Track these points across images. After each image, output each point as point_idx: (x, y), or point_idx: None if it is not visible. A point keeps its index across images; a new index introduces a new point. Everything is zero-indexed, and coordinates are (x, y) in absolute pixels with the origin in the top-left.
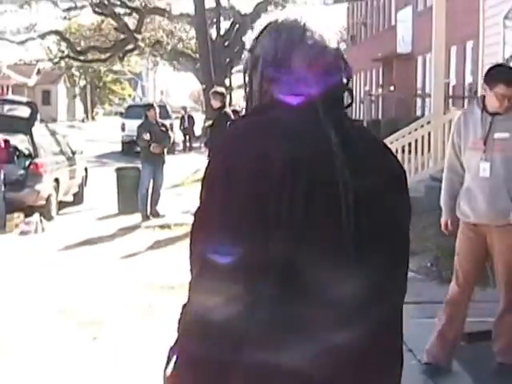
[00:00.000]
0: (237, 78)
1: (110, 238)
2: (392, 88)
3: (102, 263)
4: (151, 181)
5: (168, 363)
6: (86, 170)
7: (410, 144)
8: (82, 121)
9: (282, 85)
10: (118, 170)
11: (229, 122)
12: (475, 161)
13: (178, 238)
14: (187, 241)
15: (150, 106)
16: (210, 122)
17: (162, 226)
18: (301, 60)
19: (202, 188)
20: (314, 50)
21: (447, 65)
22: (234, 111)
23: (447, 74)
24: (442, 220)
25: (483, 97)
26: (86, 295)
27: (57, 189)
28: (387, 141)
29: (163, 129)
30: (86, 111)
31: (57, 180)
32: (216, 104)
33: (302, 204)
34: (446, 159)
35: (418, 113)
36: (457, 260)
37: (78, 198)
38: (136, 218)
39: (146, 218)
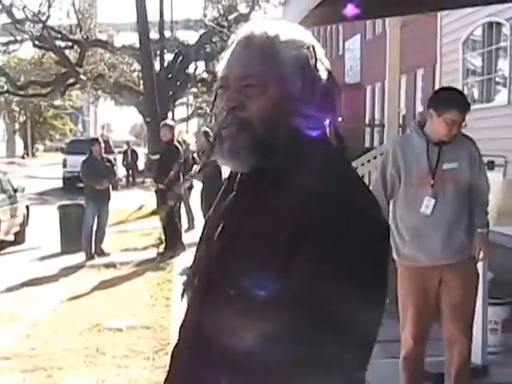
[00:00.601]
0: (180, 110)
1: (53, 278)
2: (340, 119)
3: (45, 305)
4: (95, 218)
5: None
6: (27, 207)
7: (363, 176)
8: (22, 157)
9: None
10: (61, 207)
11: (177, 155)
12: (422, 198)
13: (124, 277)
14: (133, 280)
15: (94, 141)
16: (157, 156)
17: (107, 265)
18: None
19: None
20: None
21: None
22: (180, 142)
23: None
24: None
25: (420, 124)
26: (30, 340)
27: None
28: None
29: (108, 164)
30: (26, 147)
31: None
32: (166, 137)
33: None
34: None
35: (367, 144)
36: (406, 312)
37: (19, 237)
38: (80, 256)
39: (90, 256)
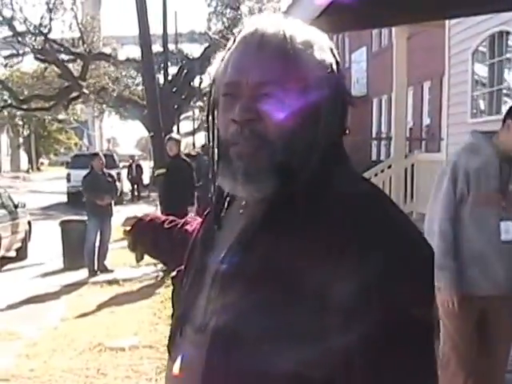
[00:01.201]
0: (185, 124)
1: (55, 295)
2: (347, 132)
3: (46, 323)
4: (98, 234)
5: None
6: (29, 223)
7: None
8: (27, 171)
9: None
10: (63, 223)
11: (186, 169)
12: (491, 220)
13: (127, 294)
14: (136, 297)
15: (94, 156)
16: (161, 170)
17: (110, 282)
18: None
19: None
20: None
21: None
22: (188, 155)
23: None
24: (444, 297)
25: (489, 136)
26: (29, 360)
27: None
28: None
29: (110, 179)
30: (30, 161)
31: None
32: (172, 151)
33: None
34: (440, 210)
35: (374, 157)
36: (457, 348)
37: (21, 254)
38: (83, 273)
39: (93, 273)
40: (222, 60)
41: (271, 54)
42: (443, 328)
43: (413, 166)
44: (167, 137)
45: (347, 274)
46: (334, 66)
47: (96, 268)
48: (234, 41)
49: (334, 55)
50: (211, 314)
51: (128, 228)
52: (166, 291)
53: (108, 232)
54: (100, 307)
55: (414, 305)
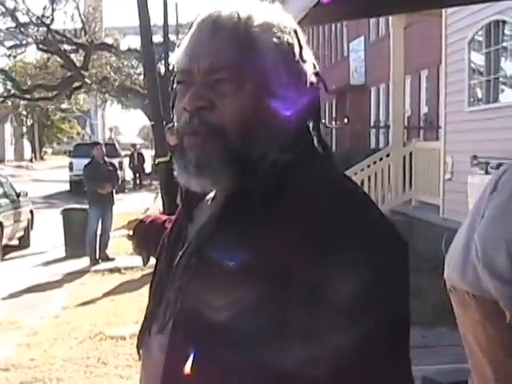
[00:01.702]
0: None
1: (56, 283)
2: (346, 120)
3: (47, 312)
4: (99, 223)
5: None
6: (31, 212)
7: (369, 177)
8: (31, 160)
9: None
10: (65, 211)
11: None
12: None
13: (128, 282)
14: (138, 286)
15: (95, 145)
16: (163, 159)
17: (111, 270)
18: None
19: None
20: None
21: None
22: None
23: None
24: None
25: None
26: (29, 350)
27: (1, 233)
28: None
29: (111, 168)
30: (33, 151)
31: (0, 224)
32: (172, 141)
33: None
34: None
35: (373, 145)
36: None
37: (24, 242)
38: (85, 261)
39: (95, 261)
40: (179, 46)
41: (223, 37)
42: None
43: (411, 154)
44: (167, 126)
45: (305, 268)
46: (296, 50)
47: (97, 256)
48: (191, 26)
49: (298, 38)
50: (170, 314)
51: (131, 232)
52: None
53: (109, 220)
54: (101, 296)
55: (394, 304)
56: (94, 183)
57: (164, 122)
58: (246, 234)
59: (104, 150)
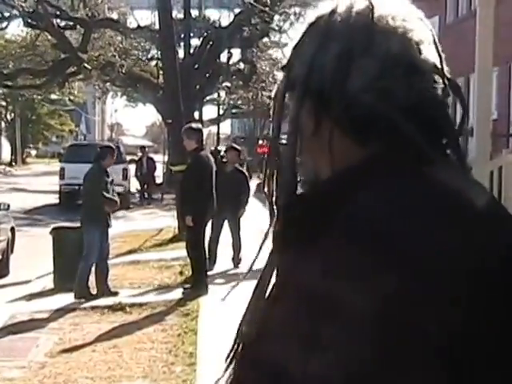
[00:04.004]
0: (208, 109)
1: (42, 323)
2: None
3: (32, 360)
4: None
5: None
6: (12, 230)
7: None
8: (10, 164)
9: (354, 129)
10: (55, 230)
11: (208, 167)
12: None
13: (134, 323)
14: (147, 328)
15: (106, 149)
16: (180, 167)
17: (113, 308)
18: (365, 72)
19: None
20: (394, 48)
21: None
22: (214, 152)
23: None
24: None
25: None
26: None
27: None
28: None
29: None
30: (14, 152)
31: None
32: (191, 145)
33: None
34: None
35: None
36: None
37: (1, 269)
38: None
39: (89, 296)
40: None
41: None
42: None
43: (500, 169)
44: (184, 127)
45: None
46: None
47: (97, 292)
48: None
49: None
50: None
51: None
52: (184, 321)
53: (108, 245)
54: (100, 340)
55: None
56: (105, 198)
57: (184, 120)
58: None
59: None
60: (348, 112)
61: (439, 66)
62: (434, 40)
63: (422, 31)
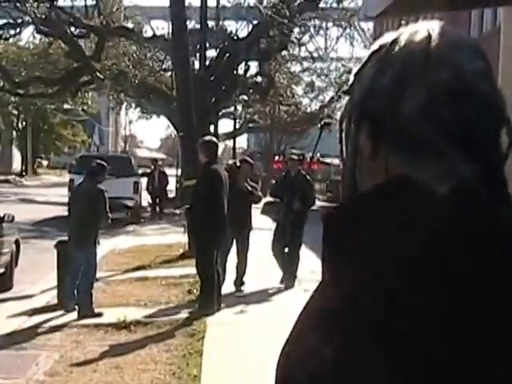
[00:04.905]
0: (224, 123)
1: (44, 340)
2: None
3: (32, 378)
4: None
5: None
6: (17, 242)
7: None
8: (20, 174)
9: (403, 152)
10: (60, 244)
11: (218, 182)
12: None
13: (138, 343)
14: (151, 349)
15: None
16: (191, 182)
17: (117, 326)
18: (416, 98)
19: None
20: (444, 76)
21: None
22: (231, 167)
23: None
24: None
25: None
26: None
27: None
28: None
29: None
30: (24, 162)
31: None
32: (202, 158)
33: None
34: None
35: None
36: None
37: (4, 282)
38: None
39: (92, 315)
40: None
41: None
42: None
43: None
44: (200, 140)
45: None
46: None
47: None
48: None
49: None
50: None
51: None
52: (189, 342)
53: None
54: (102, 359)
55: None
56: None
57: (196, 134)
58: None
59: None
60: (398, 136)
61: (491, 96)
62: (487, 71)
63: (476, 62)
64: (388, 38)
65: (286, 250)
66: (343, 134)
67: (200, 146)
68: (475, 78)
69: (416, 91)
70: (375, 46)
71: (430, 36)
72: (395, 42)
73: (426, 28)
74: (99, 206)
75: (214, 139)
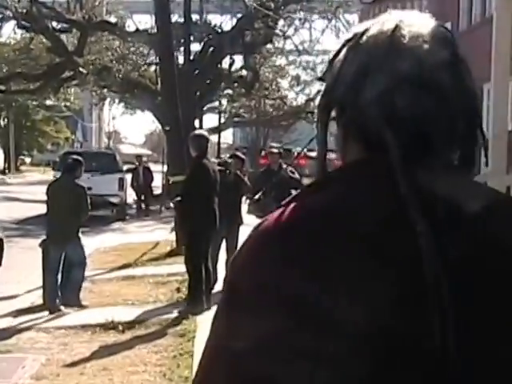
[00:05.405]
0: (209, 118)
1: (29, 343)
2: None
3: (16, 383)
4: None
5: None
6: (0, 242)
7: None
8: (3, 172)
9: (353, 133)
10: (45, 243)
11: (210, 177)
12: None
13: (127, 344)
14: (140, 349)
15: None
16: (179, 177)
17: (105, 327)
18: (375, 86)
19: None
20: (403, 66)
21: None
22: (225, 162)
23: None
24: None
25: None
26: None
27: None
28: None
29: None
30: (7, 159)
31: None
32: (196, 152)
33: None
34: None
35: None
36: None
37: None
38: (70, 313)
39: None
40: None
41: None
42: None
43: None
44: (191, 134)
45: None
46: None
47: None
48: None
49: None
50: None
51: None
52: (180, 342)
53: None
54: (89, 361)
55: None
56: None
57: (183, 128)
58: None
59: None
60: (355, 122)
61: (453, 87)
62: (452, 62)
63: (439, 53)
64: (361, 27)
65: None
66: (318, 119)
67: (191, 141)
68: (435, 69)
69: (376, 80)
70: (349, 35)
71: (397, 26)
72: (366, 31)
73: (396, 18)
74: (81, 201)
75: (205, 133)
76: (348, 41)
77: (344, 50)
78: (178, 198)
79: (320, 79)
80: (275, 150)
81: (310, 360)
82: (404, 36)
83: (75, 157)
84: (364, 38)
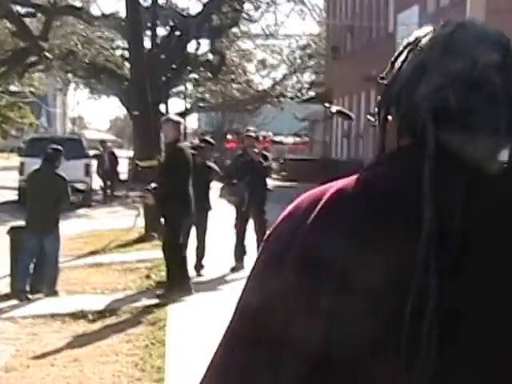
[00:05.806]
0: (175, 102)
1: None
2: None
3: None
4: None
5: None
6: None
7: None
8: None
9: (405, 129)
10: (13, 230)
11: (189, 161)
12: None
13: (98, 334)
14: (111, 339)
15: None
16: (149, 162)
17: (74, 316)
18: (430, 83)
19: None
20: (457, 66)
21: None
22: (197, 147)
23: None
24: None
25: None
26: None
27: None
28: None
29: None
30: None
31: None
32: (169, 137)
33: None
34: None
35: None
36: None
37: None
38: (39, 301)
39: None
40: None
41: None
42: None
43: None
44: (163, 118)
45: None
46: None
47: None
48: None
49: None
50: None
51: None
52: (151, 331)
53: None
54: (60, 352)
55: None
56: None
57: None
58: None
59: None
60: (407, 117)
61: (502, 87)
62: (503, 63)
63: (491, 55)
64: (423, 31)
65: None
66: (378, 114)
67: (165, 125)
68: (487, 69)
69: (431, 77)
70: (411, 38)
71: (455, 30)
72: (426, 34)
73: (455, 23)
74: (61, 191)
75: (180, 118)
76: (409, 43)
77: (405, 52)
78: (153, 185)
79: (382, 78)
80: (252, 134)
81: (325, 318)
82: (460, 38)
83: (55, 146)
84: (423, 40)
